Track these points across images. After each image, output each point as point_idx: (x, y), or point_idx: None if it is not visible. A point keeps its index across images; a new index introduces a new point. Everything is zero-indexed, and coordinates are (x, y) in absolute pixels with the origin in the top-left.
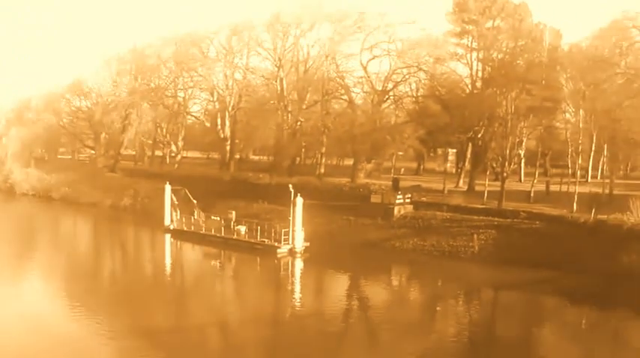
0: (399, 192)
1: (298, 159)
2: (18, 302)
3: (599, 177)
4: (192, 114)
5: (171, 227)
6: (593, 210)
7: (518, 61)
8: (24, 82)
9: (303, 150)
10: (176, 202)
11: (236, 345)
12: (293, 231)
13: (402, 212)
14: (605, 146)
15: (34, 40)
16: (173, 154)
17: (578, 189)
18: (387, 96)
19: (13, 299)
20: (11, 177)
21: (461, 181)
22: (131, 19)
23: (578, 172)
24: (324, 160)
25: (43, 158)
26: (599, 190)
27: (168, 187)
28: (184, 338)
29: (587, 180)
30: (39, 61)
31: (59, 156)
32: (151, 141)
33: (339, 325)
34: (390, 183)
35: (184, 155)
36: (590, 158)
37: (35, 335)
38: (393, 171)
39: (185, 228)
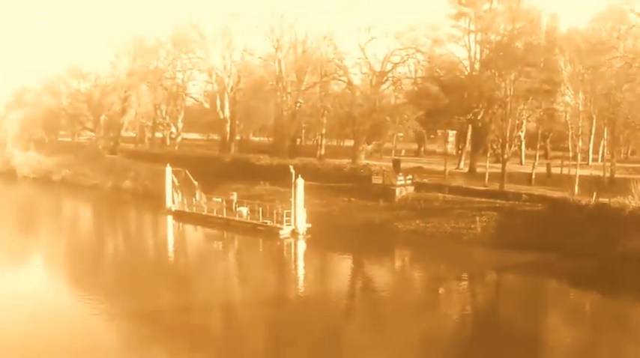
0: (400, 174)
1: (299, 140)
2: (24, 284)
3: (599, 160)
4: (191, 95)
5: (173, 208)
6: (595, 193)
7: (516, 44)
8: (22, 64)
9: (303, 131)
10: (177, 184)
11: (240, 326)
12: (295, 212)
13: (404, 193)
14: (605, 129)
15: (32, 23)
16: (173, 136)
17: (579, 171)
18: (385, 78)
19: (20, 283)
20: (12, 160)
21: (462, 163)
22: (128, 1)
23: (579, 155)
24: (324, 141)
25: (44, 141)
26: (600, 173)
27: (169, 169)
28: (189, 319)
29: (587, 163)
30: (37, 43)
31: (59, 139)
32: (150, 123)
33: (344, 306)
34: (391, 164)
35: (184, 136)
36: (590, 141)
37: (36, 316)
38: (393, 152)
39: (187, 210)
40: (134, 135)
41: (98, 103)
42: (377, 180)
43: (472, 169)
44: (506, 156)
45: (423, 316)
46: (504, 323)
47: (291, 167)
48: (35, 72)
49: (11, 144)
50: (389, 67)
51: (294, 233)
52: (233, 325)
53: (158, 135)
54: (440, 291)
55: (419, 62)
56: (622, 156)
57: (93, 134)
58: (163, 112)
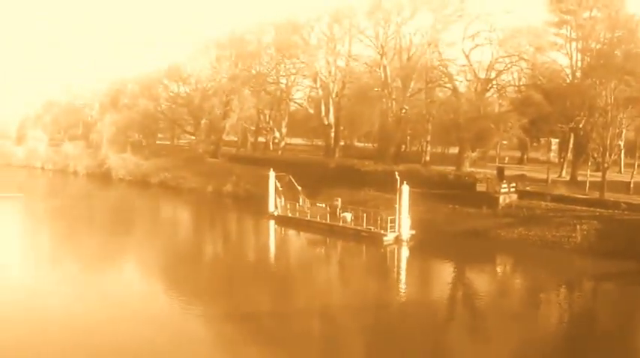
0: (504, 181)
1: (404, 146)
2: (126, 286)
3: None
4: (295, 101)
5: (276, 213)
6: None
7: (615, 52)
8: (117, 66)
9: (408, 137)
10: (280, 188)
11: (340, 332)
12: (399, 218)
13: (507, 201)
14: None
15: (129, 23)
16: (276, 140)
17: None
18: (490, 85)
19: (122, 284)
20: (107, 162)
21: (563, 171)
22: (228, 4)
23: None
24: (429, 148)
25: (141, 143)
26: None
27: (272, 173)
28: (289, 324)
29: None
30: (132, 45)
31: (158, 142)
32: (253, 128)
33: (445, 313)
34: (495, 171)
35: (288, 141)
36: None
37: (135, 317)
38: (497, 159)
39: (289, 215)
40: (236, 139)
41: (198, 107)
42: (481, 187)
43: (573, 178)
44: (606, 165)
45: (524, 324)
46: (604, 333)
47: (397, 173)
48: (130, 73)
49: (106, 146)
50: (493, 74)
51: (398, 239)
52: (333, 331)
53: (261, 139)
54: (541, 299)
55: (522, 70)
56: None
57: (193, 137)
58: (267, 117)
